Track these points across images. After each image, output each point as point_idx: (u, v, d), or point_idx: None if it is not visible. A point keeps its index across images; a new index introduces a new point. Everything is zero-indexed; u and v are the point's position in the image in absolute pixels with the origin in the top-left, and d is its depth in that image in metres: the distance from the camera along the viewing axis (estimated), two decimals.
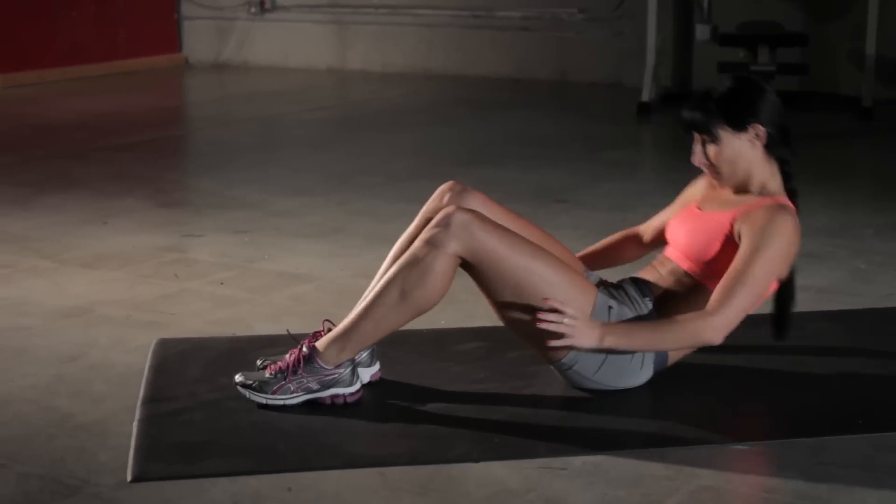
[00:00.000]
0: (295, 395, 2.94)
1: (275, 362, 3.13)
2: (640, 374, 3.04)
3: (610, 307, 3.00)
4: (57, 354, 3.35)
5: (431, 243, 2.90)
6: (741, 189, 3.09)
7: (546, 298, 2.90)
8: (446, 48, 9.57)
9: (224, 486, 2.56)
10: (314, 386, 2.94)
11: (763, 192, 3.06)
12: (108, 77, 9.66)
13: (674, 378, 3.07)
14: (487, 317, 3.24)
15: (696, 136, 3.09)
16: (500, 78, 9.27)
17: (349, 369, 2.96)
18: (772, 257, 2.93)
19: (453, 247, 2.89)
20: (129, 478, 2.59)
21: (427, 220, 3.12)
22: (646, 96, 7.67)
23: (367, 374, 3.08)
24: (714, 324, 2.88)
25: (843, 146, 6.69)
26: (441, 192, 3.18)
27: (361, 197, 5.33)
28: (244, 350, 3.36)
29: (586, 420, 2.90)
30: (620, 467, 2.65)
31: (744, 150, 3.04)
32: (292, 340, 3.14)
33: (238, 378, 2.98)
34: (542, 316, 2.88)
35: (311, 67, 10.07)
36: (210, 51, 10.52)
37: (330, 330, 3.13)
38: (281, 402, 2.93)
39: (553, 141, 6.79)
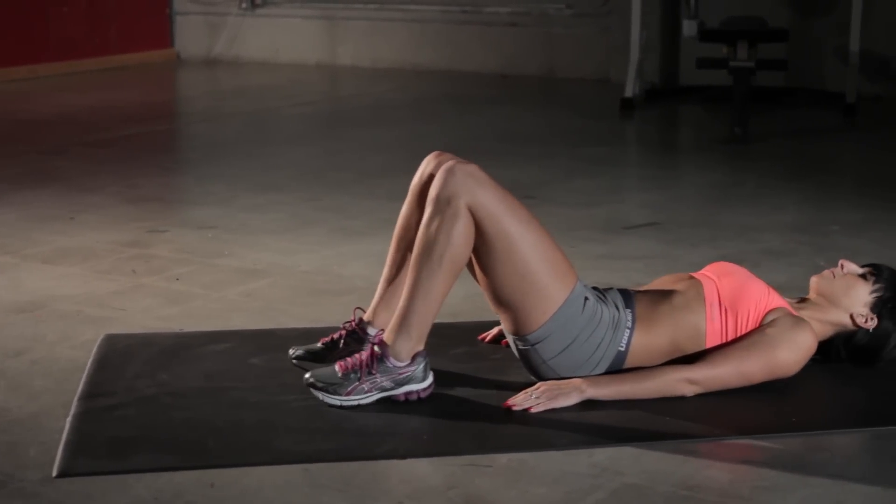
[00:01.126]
0: (369, 394, 2.93)
1: (310, 353, 3.16)
2: (592, 372, 3.03)
3: (586, 298, 2.99)
4: (2, 349, 3.36)
5: (442, 199, 2.91)
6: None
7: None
8: (435, 44, 9.56)
9: (148, 481, 2.57)
10: (388, 384, 2.93)
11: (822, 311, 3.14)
12: (100, 72, 9.67)
13: None
14: (444, 313, 3.22)
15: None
16: (488, 73, 9.26)
17: (422, 365, 2.95)
18: (777, 363, 2.98)
19: (464, 198, 2.89)
20: (54, 473, 2.60)
21: (418, 193, 3.12)
22: (629, 92, 7.65)
23: None
24: (692, 385, 2.97)
25: (823, 142, 6.67)
26: (427, 161, 3.15)
27: (331, 193, 5.33)
28: (189, 345, 3.37)
29: (519, 418, 2.89)
30: (546, 465, 2.65)
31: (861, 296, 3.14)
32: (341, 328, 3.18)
33: (308, 378, 2.95)
34: (510, 404, 2.90)
35: (302, 63, 10.07)
36: (201, 46, 10.52)
37: (361, 318, 3.15)
38: (355, 403, 2.92)
39: (534, 136, 6.79)
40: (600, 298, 3.06)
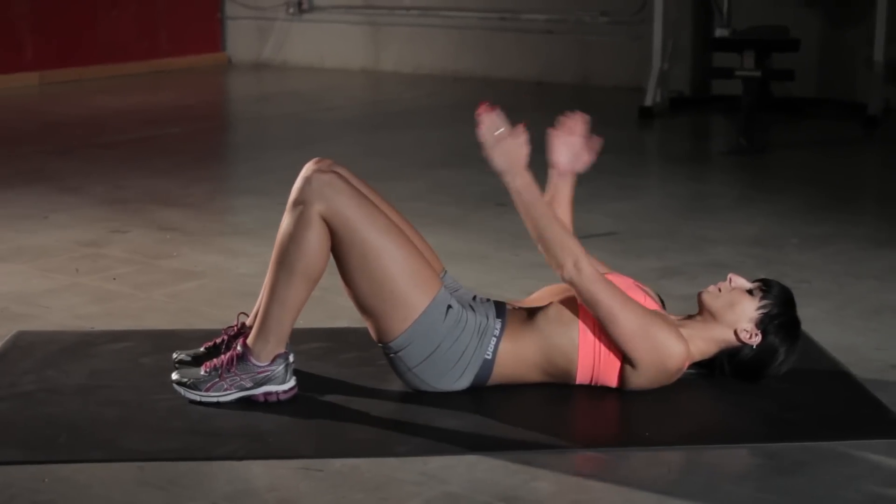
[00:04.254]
0: (228, 392, 2.99)
1: (192, 357, 3.21)
2: (458, 380, 3.04)
3: (450, 306, 3.00)
4: None
5: (296, 207, 2.96)
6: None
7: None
8: (474, 50, 9.58)
9: None
10: (247, 383, 2.99)
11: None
12: (148, 76, 9.84)
13: (485, 391, 3.06)
14: (344, 318, 3.25)
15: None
16: (524, 81, 9.25)
17: (283, 366, 3.00)
18: (651, 333, 2.96)
19: (316, 206, 2.93)
20: None
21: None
22: (649, 101, 7.59)
23: None
24: (576, 270, 2.97)
25: (832, 155, 6.56)
26: (305, 168, 3.19)
27: None
28: (90, 344, 3.44)
29: (372, 423, 2.91)
30: (377, 471, 2.66)
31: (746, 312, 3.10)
32: (222, 334, 3.25)
33: (175, 376, 3.03)
34: (481, 113, 3.04)
35: (346, 68, 10.16)
36: (252, 51, 10.67)
37: (244, 323, 3.21)
38: (214, 400, 2.98)
39: (541, 144, 6.75)
40: (469, 307, 3.06)
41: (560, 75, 9.19)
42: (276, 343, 2.99)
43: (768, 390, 3.10)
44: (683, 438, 2.85)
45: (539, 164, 6.06)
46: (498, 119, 3.01)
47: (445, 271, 3.22)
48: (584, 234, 4.66)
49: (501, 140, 3.03)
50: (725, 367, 3.13)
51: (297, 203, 2.96)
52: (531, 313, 3.08)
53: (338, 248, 2.96)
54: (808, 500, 2.54)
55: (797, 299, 3.84)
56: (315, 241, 2.94)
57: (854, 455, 2.74)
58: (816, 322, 3.65)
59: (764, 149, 6.60)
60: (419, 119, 7.79)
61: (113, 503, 2.52)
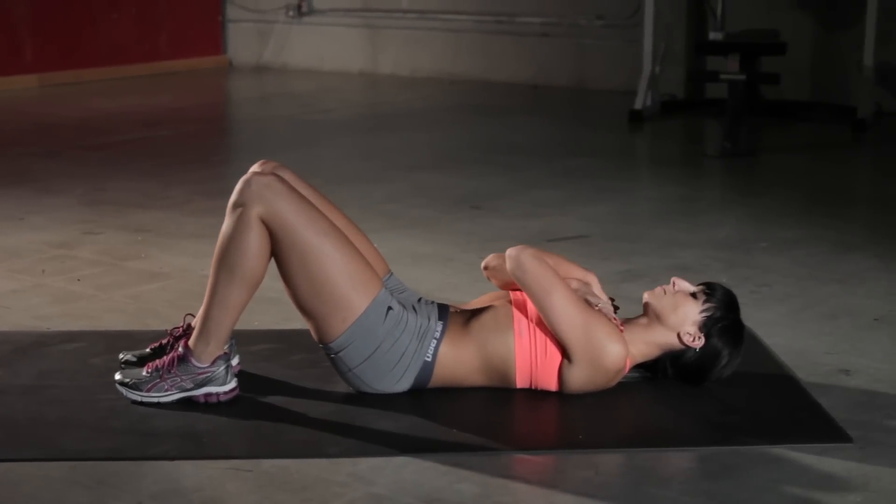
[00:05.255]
0: (169, 392, 3.01)
1: (137, 358, 3.24)
2: (398, 382, 3.06)
3: (390, 308, 3.01)
4: None
5: (234, 209, 2.98)
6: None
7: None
8: (471, 53, 9.60)
9: None
10: (188, 384, 3.01)
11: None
12: (148, 78, 9.88)
13: (427, 393, 3.08)
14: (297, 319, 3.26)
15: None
16: (520, 84, 9.26)
17: (223, 367, 3.02)
18: (591, 331, 2.98)
19: (255, 209, 2.94)
20: None
21: None
22: (639, 104, 7.59)
23: None
24: (524, 249, 3.09)
25: (817, 158, 6.54)
26: (248, 173, 3.20)
27: None
28: (43, 344, 3.47)
29: (309, 424, 2.92)
30: (306, 472, 2.68)
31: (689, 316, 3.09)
32: (167, 336, 3.28)
33: (117, 376, 3.06)
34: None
35: (345, 70, 10.18)
36: (252, 53, 10.71)
37: (189, 324, 3.23)
38: (155, 400, 3.00)
39: (524, 147, 6.78)
40: (412, 308, 3.07)
41: (556, 78, 9.19)
42: (216, 345, 3.01)
43: (709, 394, 3.11)
44: (617, 441, 2.86)
45: (537, 165, 6.10)
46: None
47: (391, 273, 3.24)
48: (554, 238, 4.71)
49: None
50: (668, 369, 3.14)
51: (236, 205, 2.98)
52: (471, 317, 3.09)
53: (277, 251, 2.98)
54: (730, 503, 2.54)
55: (756, 303, 3.87)
56: (254, 243, 2.96)
57: (785, 459, 2.75)
58: (771, 325, 3.66)
59: (751, 152, 6.59)
60: (410, 122, 7.81)
61: (40, 501, 2.54)
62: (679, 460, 2.78)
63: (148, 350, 3.27)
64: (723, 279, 4.11)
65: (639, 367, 3.17)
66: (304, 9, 10.38)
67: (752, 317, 3.70)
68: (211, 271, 3.01)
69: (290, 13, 10.42)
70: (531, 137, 7.17)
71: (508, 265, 3.09)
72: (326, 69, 10.27)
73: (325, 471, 2.68)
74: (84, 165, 6.20)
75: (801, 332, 3.62)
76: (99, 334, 3.57)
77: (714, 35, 7.68)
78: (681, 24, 8.42)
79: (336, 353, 3.02)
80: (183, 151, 6.71)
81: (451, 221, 5.01)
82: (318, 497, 2.56)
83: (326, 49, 10.33)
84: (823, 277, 4.17)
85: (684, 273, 4.09)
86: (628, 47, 8.72)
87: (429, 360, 3.04)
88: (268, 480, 2.64)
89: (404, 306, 3.06)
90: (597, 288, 3.20)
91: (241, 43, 10.76)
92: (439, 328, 3.05)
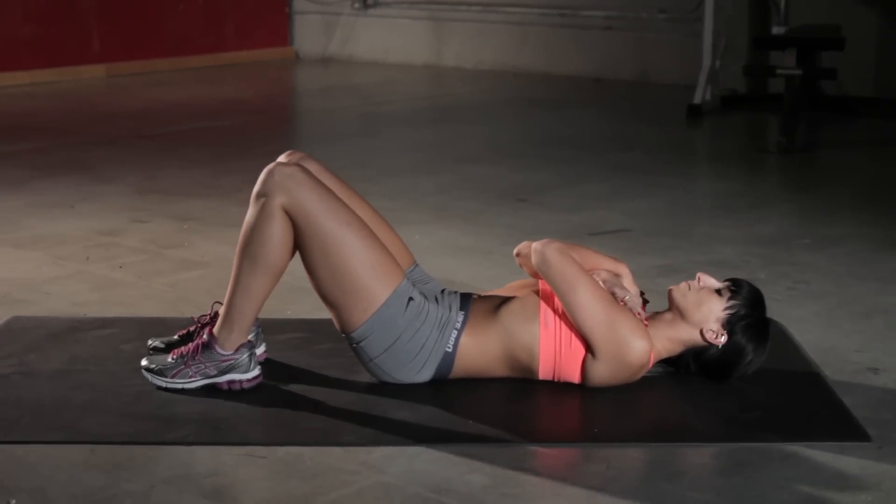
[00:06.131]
0: (193, 379, 3.06)
1: (165, 344, 3.30)
2: (419, 373, 3.07)
3: (411, 298, 3.03)
4: None
5: (257, 199, 3.02)
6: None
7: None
8: (534, 46, 9.59)
9: None
10: (212, 371, 3.06)
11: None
12: (213, 69, 9.99)
13: (448, 384, 3.09)
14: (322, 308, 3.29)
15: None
16: (582, 77, 9.23)
17: (247, 355, 3.07)
18: (616, 325, 2.98)
19: (278, 199, 2.98)
20: None
21: None
22: (698, 99, 7.54)
23: None
24: (550, 241, 3.10)
25: (873, 155, 6.46)
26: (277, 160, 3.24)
27: None
28: (78, 329, 3.53)
29: (328, 412, 2.95)
30: (319, 459, 2.70)
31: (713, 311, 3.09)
32: (194, 323, 3.32)
33: (143, 362, 3.11)
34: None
35: (409, 63, 10.22)
36: (318, 45, 10.78)
37: (217, 312, 3.28)
38: (179, 387, 3.06)
39: (578, 141, 6.76)
40: (434, 299, 3.09)
41: (618, 72, 9.16)
42: (240, 333, 3.05)
43: (731, 390, 3.09)
44: (633, 436, 2.85)
45: (588, 159, 6.09)
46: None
47: (416, 264, 3.25)
48: (594, 231, 4.70)
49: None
50: (691, 366, 3.13)
51: (259, 195, 3.02)
52: (495, 307, 3.10)
53: (300, 241, 3.01)
54: (739, 499, 2.53)
55: (792, 299, 3.84)
56: (277, 233, 2.99)
57: (800, 456, 2.73)
58: (804, 322, 3.63)
59: (806, 148, 6.52)
60: (468, 114, 7.81)
61: (55, 483, 2.59)
62: (692, 456, 2.77)
63: (176, 337, 3.32)
64: (760, 276, 4.08)
65: (663, 362, 3.16)
66: (370, 1, 10.43)
67: (786, 313, 3.68)
68: (235, 260, 3.05)
69: (356, 5, 10.47)
70: (586, 131, 7.15)
71: (534, 259, 3.10)
72: (391, 61, 10.31)
73: (338, 459, 2.70)
74: (139, 154, 6.29)
75: (834, 329, 3.59)
76: (133, 321, 3.62)
77: (777, 29, 7.61)
78: (744, 18, 8.35)
79: (357, 343, 3.05)
80: (239, 141, 6.78)
81: (494, 214, 5.02)
82: (327, 485, 2.59)
83: (391, 41, 10.37)
84: (862, 275, 4.12)
85: (722, 269, 4.09)
86: (691, 41, 8.65)
87: (449, 350, 3.05)
88: (281, 467, 2.67)
89: (426, 297, 3.08)
90: (627, 280, 3.19)
91: (308, 35, 10.84)
92: (460, 319, 3.06)
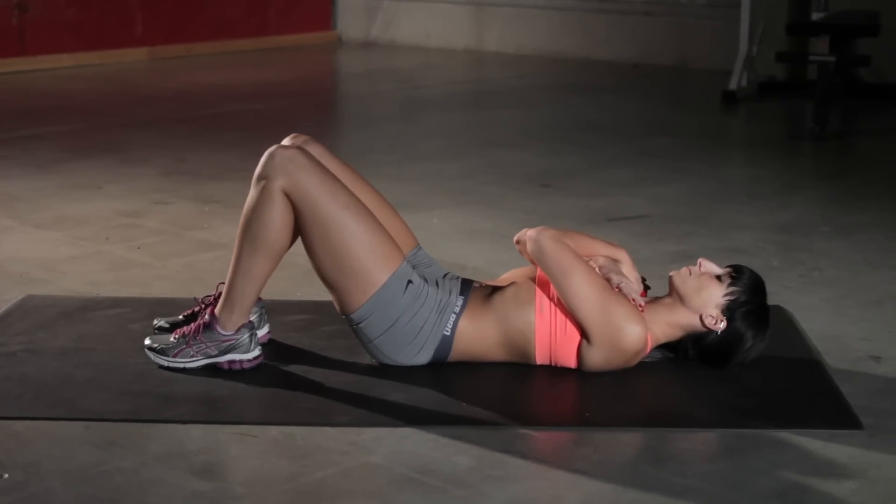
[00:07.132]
0: (194, 359, 3.12)
1: (170, 324, 3.35)
2: (417, 355, 3.10)
3: (410, 281, 3.06)
4: None
5: (258, 182, 3.06)
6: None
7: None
8: (574, 32, 9.56)
9: None
10: (213, 351, 3.11)
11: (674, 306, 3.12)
12: (255, 53, 10.03)
13: (446, 367, 3.11)
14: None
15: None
16: (622, 62, 9.20)
17: (247, 335, 3.12)
18: (610, 309, 2.98)
19: (278, 182, 3.02)
20: None
21: None
22: (733, 85, 7.49)
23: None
24: (545, 229, 3.10)
25: None
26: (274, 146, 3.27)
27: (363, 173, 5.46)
28: (89, 309, 3.58)
29: (325, 393, 2.98)
30: (311, 439, 2.74)
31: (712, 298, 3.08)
32: (198, 304, 3.36)
33: (147, 341, 3.16)
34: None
35: (450, 48, 10.22)
36: (361, 29, 10.80)
37: (221, 292, 3.32)
38: (181, 366, 3.11)
39: (610, 126, 6.75)
40: (435, 283, 3.11)
41: (657, 58, 9.11)
42: (241, 313, 3.08)
43: (729, 376, 3.09)
44: (624, 421, 2.86)
45: (617, 145, 6.07)
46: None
47: (419, 247, 3.27)
48: (614, 217, 4.70)
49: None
50: (690, 351, 3.13)
51: (260, 178, 3.05)
52: (492, 293, 3.11)
53: (300, 223, 3.04)
54: (722, 485, 2.53)
55: (803, 287, 3.83)
56: (277, 215, 3.03)
57: (790, 443, 2.72)
58: (812, 309, 3.62)
59: (839, 135, 6.47)
60: (504, 99, 7.82)
61: (49, 458, 2.64)
62: (682, 441, 2.77)
63: (181, 317, 3.36)
64: (774, 263, 4.07)
65: (662, 347, 3.16)
66: None
67: (795, 300, 3.67)
68: (236, 242, 3.09)
69: None
70: (619, 116, 7.13)
71: (528, 247, 3.10)
72: (433, 46, 10.32)
73: (329, 439, 2.73)
74: (171, 137, 6.35)
75: (841, 317, 3.57)
76: (143, 301, 3.67)
77: (816, 15, 7.55)
78: (783, 4, 8.27)
79: (357, 325, 3.07)
80: (272, 125, 6.81)
81: (516, 199, 5.03)
82: (315, 464, 2.62)
83: (433, 26, 10.38)
84: (878, 263, 4.10)
85: (736, 256, 4.07)
86: (730, 27, 8.59)
87: (447, 334, 3.07)
88: (272, 446, 2.71)
89: (426, 280, 3.10)
90: (627, 266, 3.19)
91: (351, 19, 10.86)
92: (459, 303, 3.08)
